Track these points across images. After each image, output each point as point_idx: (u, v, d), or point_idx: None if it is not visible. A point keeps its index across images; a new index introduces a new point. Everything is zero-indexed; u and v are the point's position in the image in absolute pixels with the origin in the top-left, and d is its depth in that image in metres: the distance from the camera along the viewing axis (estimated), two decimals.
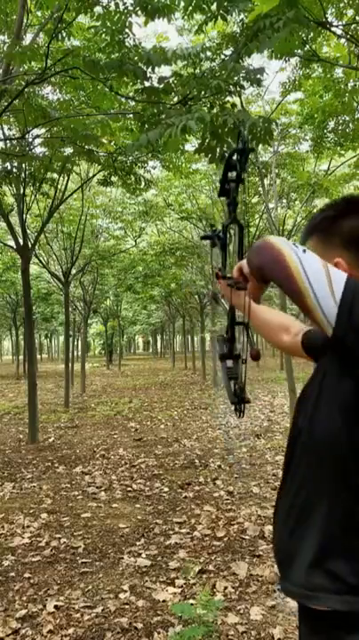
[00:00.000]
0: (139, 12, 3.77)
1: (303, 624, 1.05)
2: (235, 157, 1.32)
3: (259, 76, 3.40)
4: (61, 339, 43.46)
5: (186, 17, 4.05)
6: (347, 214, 1.07)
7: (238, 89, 3.64)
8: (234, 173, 1.34)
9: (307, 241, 1.14)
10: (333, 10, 4.99)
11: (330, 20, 4.89)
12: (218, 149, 3.59)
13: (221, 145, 3.52)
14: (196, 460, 6.22)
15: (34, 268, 18.12)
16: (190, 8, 3.84)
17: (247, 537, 3.81)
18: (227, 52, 4.03)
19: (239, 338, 1.37)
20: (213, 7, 3.72)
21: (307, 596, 0.97)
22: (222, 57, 3.93)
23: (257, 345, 1.32)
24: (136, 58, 3.99)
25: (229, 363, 1.32)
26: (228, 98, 3.76)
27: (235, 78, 3.47)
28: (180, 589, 3.07)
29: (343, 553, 0.94)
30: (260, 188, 9.75)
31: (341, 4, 4.93)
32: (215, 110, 3.46)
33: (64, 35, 4.34)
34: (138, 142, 3.19)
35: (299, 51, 5.32)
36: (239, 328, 1.37)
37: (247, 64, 4.28)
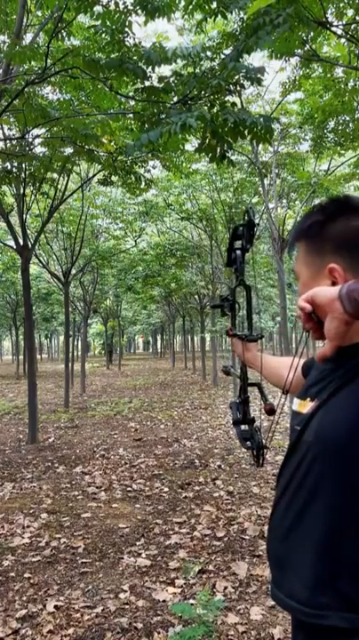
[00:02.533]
0: (140, 12, 3.76)
1: (300, 635, 1.02)
2: (241, 230, 1.44)
3: (259, 75, 3.39)
4: (61, 339, 43.48)
5: (186, 16, 4.05)
6: (337, 217, 1.02)
7: (238, 88, 3.63)
8: (239, 242, 1.46)
9: (295, 247, 1.10)
10: (333, 9, 4.99)
11: (330, 19, 4.89)
12: (218, 148, 3.59)
13: (222, 144, 3.51)
14: (196, 460, 6.22)
15: (34, 268, 18.14)
16: (191, 7, 3.84)
17: (247, 537, 3.81)
18: (228, 52, 4.03)
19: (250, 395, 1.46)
20: (213, 5, 3.71)
21: (311, 614, 0.93)
22: (222, 56, 3.92)
23: (268, 399, 1.38)
24: (135, 57, 3.99)
25: (243, 427, 1.39)
26: (229, 97, 3.76)
27: (236, 77, 3.46)
28: (180, 589, 3.07)
29: (349, 570, 0.90)
30: (260, 188, 9.74)
31: (341, 4, 4.93)
32: (215, 109, 3.45)
33: (64, 34, 4.34)
34: (138, 142, 3.18)
35: (299, 50, 5.32)
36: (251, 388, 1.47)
37: (247, 63, 4.28)
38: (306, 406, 1.04)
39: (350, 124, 7.54)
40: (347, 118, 7.49)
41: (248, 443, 1.38)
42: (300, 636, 1.02)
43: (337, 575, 0.91)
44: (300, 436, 1.01)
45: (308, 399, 1.05)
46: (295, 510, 0.99)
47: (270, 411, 1.29)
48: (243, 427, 1.39)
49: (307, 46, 5.32)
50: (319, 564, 0.93)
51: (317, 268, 1.03)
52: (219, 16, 3.78)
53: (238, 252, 1.47)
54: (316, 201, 10.36)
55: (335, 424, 0.93)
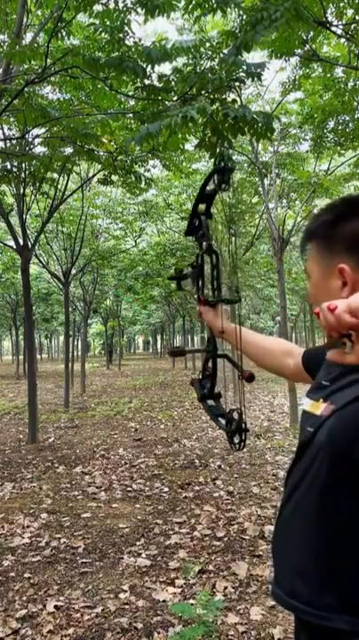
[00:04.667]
0: (139, 10, 3.76)
1: (303, 634, 1.01)
2: (210, 187, 1.34)
3: (259, 70, 3.38)
4: (61, 339, 43.47)
5: (186, 15, 4.04)
6: (348, 217, 1.02)
7: (238, 84, 3.63)
8: (203, 206, 1.36)
9: (306, 247, 1.10)
10: (333, 9, 4.99)
11: (330, 19, 4.89)
12: (218, 145, 3.58)
13: (222, 141, 3.51)
14: (196, 460, 6.22)
15: (34, 268, 18.13)
16: (191, 6, 3.83)
17: (247, 537, 3.80)
18: (227, 51, 4.03)
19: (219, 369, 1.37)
20: (212, 1, 3.70)
21: (314, 614, 0.93)
22: (222, 55, 3.91)
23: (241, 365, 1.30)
24: (136, 56, 3.98)
25: (211, 402, 1.30)
26: (229, 94, 3.75)
27: (236, 73, 3.45)
28: (180, 589, 3.06)
29: (352, 570, 0.90)
30: (260, 189, 9.74)
31: (341, 4, 4.93)
32: (216, 106, 3.44)
33: (64, 34, 4.33)
34: (138, 134, 3.16)
35: (299, 50, 5.32)
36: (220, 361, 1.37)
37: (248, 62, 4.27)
38: (318, 407, 1.03)
39: (350, 124, 7.54)
40: (347, 118, 7.49)
41: (221, 420, 1.28)
42: (303, 635, 1.02)
43: (340, 576, 0.91)
44: (312, 437, 1.01)
45: (321, 400, 1.04)
46: (303, 510, 0.99)
47: (250, 377, 1.24)
48: (209, 402, 1.31)
49: (307, 46, 5.33)
50: (323, 563, 0.93)
51: (327, 268, 1.03)
52: (219, 12, 3.77)
53: (202, 217, 1.37)
54: (316, 201, 10.36)
55: (349, 428, 0.93)
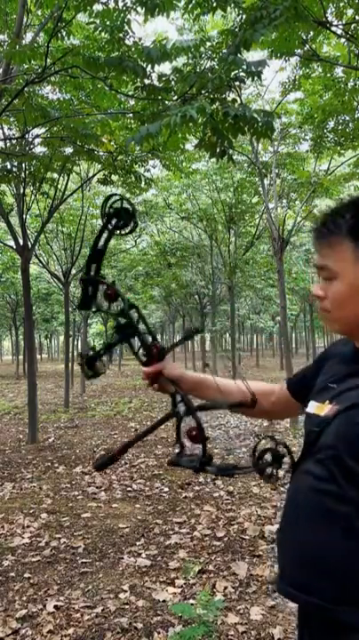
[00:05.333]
0: (139, 9, 3.75)
1: (310, 629, 1.02)
2: (101, 242, 1.14)
3: (259, 68, 3.37)
4: (61, 339, 43.45)
5: (186, 15, 4.04)
6: None
7: (238, 83, 3.63)
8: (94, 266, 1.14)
9: (330, 247, 1.03)
10: (333, 9, 4.99)
11: (330, 19, 4.89)
12: (218, 145, 3.58)
13: (222, 140, 3.51)
14: None
15: (34, 268, 18.12)
16: (190, 5, 3.83)
17: (247, 537, 3.80)
18: (227, 51, 4.03)
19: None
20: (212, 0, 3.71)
21: (329, 609, 0.93)
22: (221, 54, 3.92)
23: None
24: (135, 55, 3.98)
25: (211, 466, 1.11)
26: (229, 94, 3.75)
27: (235, 72, 3.44)
28: (180, 589, 3.06)
29: None
30: (260, 189, 9.74)
31: (341, 4, 4.93)
32: (215, 105, 3.44)
33: (64, 34, 4.33)
34: (138, 134, 3.16)
35: (299, 50, 5.32)
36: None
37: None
38: (323, 409, 1.04)
39: (350, 124, 7.55)
40: (347, 118, 7.49)
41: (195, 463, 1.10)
42: (309, 630, 1.02)
43: (352, 571, 0.92)
44: (318, 437, 1.02)
45: (326, 402, 1.05)
46: (311, 509, 0.99)
47: (195, 438, 1.09)
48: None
49: (307, 46, 5.32)
50: (336, 560, 0.94)
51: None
52: (219, 11, 3.77)
53: (101, 286, 1.15)
54: (316, 201, 10.36)
55: (355, 428, 0.94)
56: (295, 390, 1.26)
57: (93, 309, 1.18)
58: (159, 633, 2.61)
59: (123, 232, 1.17)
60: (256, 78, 3.48)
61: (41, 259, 12.21)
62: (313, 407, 1.09)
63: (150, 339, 1.20)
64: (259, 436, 1.20)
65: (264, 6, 2.99)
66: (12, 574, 3.34)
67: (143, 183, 7.04)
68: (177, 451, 1.15)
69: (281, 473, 1.05)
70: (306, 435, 1.09)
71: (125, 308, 1.15)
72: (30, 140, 6.41)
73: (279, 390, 1.31)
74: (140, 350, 1.20)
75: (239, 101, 3.95)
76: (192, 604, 2.83)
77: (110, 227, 1.15)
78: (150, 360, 1.19)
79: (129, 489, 5.15)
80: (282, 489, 4.85)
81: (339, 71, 6.69)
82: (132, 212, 1.15)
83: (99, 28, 3.95)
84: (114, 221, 1.15)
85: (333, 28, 4.84)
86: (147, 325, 1.18)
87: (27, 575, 3.31)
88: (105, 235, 1.16)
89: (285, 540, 1.06)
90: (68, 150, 6.29)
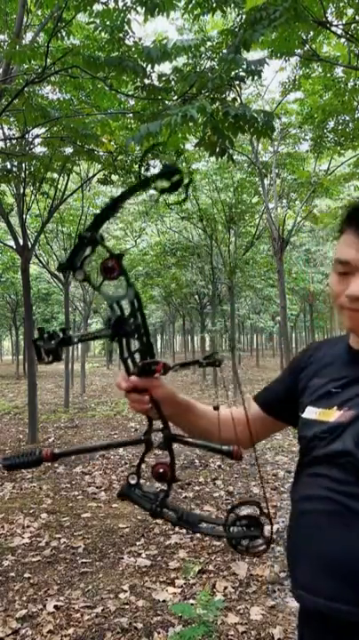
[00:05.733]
0: (139, 9, 3.76)
1: (307, 631, 1.00)
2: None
3: (259, 67, 3.37)
4: None
5: (186, 15, 4.04)
6: None
7: (238, 83, 3.63)
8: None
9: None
10: (333, 9, 4.99)
11: (330, 19, 4.89)
12: (218, 144, 3.58)
13: (222, 140, 3.51)
14: (196, 460, 6.22)
15: (34, 268, 18.12)
16: (190, 5, 3.84)
17: None
18: (227, 50, 4.03)
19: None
20: (212, 0, 3.71)
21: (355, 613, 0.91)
22: (221, 54, 3.92)
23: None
24: (136, 55, 3.98)
25: (171, 511, 0.96)
26: (229, 93, 3.75)
27: (236, 71, 3.44)
28: (180, 589, 3.06)
29: None
30: (260, 189, 9.74)
31: (341, 4, 4.93)
32: (216, 105, 3.44)
33: (64, 34, 4.34)
34: (138, 134, 3.16)
35: (299, 50, 5.32)
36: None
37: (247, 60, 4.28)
38: (332, 415, 1.01)
39: (350, 124, 7.55)
40: (347, 118, 7.49)
41: (204, 526, 0.95)
42: (307, 632, 1.00)
43: None
44: (329, 443, 0.99)
45: (334, 407, 1.01)
46: (335, 517, 0.96)
47: (237, 455, 0.91)
48: (170, 512, 0.95)
49: (307, 46, 5.33)
50: None
51: None
52: (219, 11, 3.77)
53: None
54: (316, 201, 10.37)
55: None
56: (270, 408, 1.19)
57: (79, 277, 0.87)
58: (159, 633, 2.61)
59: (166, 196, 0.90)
60: (256, 77, 3.48)
61: (41, 259, 12.21)
62: (314, 413, 1.06)
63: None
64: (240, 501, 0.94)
65: (264, 7, 2.99)
66: (12, 574, 3.34)
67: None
68: (133, 482, 0.98)
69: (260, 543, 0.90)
70: (308, 441, 1.04)
71: (130, 294, 0.87)
72: (30, 139, 6.41)
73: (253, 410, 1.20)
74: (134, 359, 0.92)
75: (239, 101, 3.96)
76: (192, 604, 2.83)
77: (154, 188, 0.87)
78: (145, 374, 0.93)
79: None
80: (282, 489, 4.85)
81: (339, 71, 6.70)
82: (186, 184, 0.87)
83: (99, 28, 3.95)
84: (161, 184, 0.87)
85: (333, 28, 4.84)
86: (146, 331, 0.91)
87: (27, 575, 3.31)
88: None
89: (303, 547, 1.02)
90: (68, 150, 6.29)
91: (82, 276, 0.88)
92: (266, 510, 0.88)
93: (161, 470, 0.95)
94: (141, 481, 0.99)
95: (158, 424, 1.01)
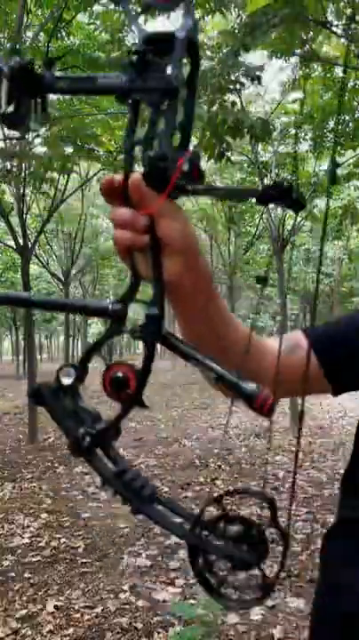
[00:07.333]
0: (139, 9, 3.76)
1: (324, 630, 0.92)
2: None
3: (258, 72, 3.39)
4: (61, 339, 43.46)
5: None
6: None
7: (238, 86, 3.64)
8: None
9: None
10: (333, 9, 4.99)
11: (330, 19, 4.89)
12: (217, 147, 3.59)
13: (220, 143, 3.52)
14: (196, 460, 6.21)
15: (34, 268, 18.12)
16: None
17: None
18: (226, 52, 4.03)
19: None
20: (212, 3, 3.72)
21: None
22: (221, 55, 3.92)
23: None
24: None
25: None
26: (229, 96, 3.76)
27: (235, 75, 3.45)
28: (180, 589, 3.06)
29: None
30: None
31: (341, 4, 4.93)
32: (215, 108, 3.45)
33: (64, 34, 4.34)
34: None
35: (299, 50, 5.32)
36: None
37: (247, 63, 4.28)
38: None
39: (350, 124, 7.55)
40: (347, 118, 7.49)
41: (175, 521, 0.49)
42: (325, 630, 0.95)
43: None
44: None
45: None
46: None
47: (269, 408, 0.46)
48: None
49: (307, 46, 5.33)
50: None
51: None
52: (218, 14, 3.78)
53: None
54: (316, 201, 10.36)
55: None
56: (324, 355, 0.81)
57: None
58: (159, 633, 2.61)
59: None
60: (255, 82, 3.49)
61: (41, 259, 12.22)
62: None
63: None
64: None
65: (264, 11, 2.99)
66: (12, 574, 3.33)
67: None
68: (66, 381, 0.54)
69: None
70: None
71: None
72: (30, 140, 6.41)
73: (302, 352, 0.75)
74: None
75: (239, 103, 3.96)
76: (192, 604, 2.83)
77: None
78: (158, 182, 0.49)
79: None
80: (282, 489, 4.85)
81: (339, 71, 6.69)
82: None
83: (100, 30, 3.95)
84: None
85: (333, 28, 4.84)
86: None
87: (27, 575, 3.31)
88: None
89: None
90: (68, 150, 6.29)
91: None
92: (275, 512, 0.47)
93: (119, 374, 0.51)
94: (82, 391, 0.55)
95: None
